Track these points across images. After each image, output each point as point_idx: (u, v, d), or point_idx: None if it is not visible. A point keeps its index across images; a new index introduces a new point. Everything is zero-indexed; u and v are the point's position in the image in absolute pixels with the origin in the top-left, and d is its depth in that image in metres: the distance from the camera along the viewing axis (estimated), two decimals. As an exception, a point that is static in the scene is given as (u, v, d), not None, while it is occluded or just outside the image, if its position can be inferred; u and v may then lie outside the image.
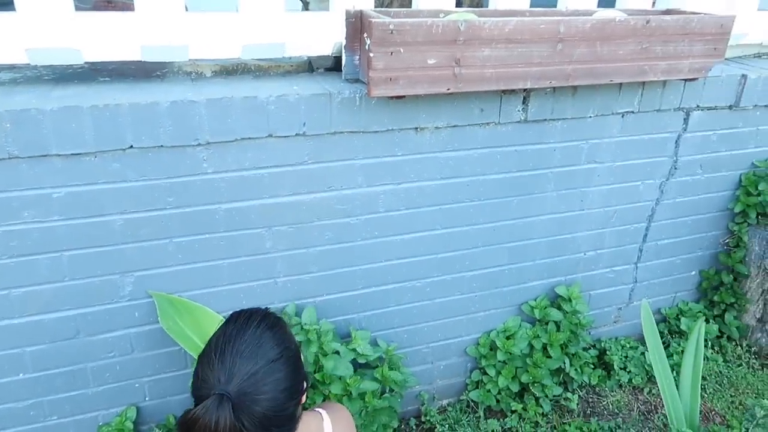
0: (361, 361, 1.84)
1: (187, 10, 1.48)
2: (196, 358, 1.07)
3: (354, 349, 1.82)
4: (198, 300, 1.66)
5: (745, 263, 2.39)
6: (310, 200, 1.69)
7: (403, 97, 1.59)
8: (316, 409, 1.24)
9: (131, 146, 1.44)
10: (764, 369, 2.41)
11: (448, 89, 1.57)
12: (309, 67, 1.84)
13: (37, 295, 1.51)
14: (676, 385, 1.68)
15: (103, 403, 1.69)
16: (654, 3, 2.04)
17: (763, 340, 2.43)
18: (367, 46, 1.50)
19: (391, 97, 1.59)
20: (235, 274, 1.69)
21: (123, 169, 1.46)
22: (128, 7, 3.16)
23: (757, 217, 2.32)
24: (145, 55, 1.48)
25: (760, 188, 2.26)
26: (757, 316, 2.43)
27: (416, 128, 1.72)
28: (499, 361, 2.13)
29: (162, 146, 1.47)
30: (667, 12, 1.91)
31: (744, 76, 2.07)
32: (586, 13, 1.82)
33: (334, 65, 1.80)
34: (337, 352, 1.76)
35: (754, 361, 2.43)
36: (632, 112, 1.96)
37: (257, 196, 1.63)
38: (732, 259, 2.41)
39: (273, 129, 1.55)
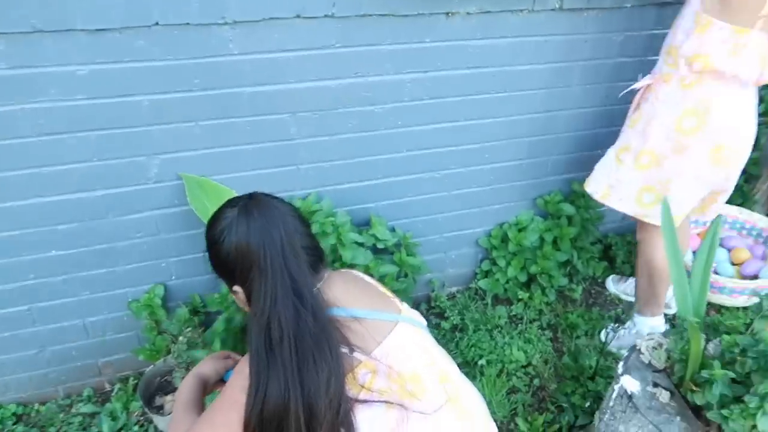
0: (380, 246, 1.92)
1: None
2: None
3: (373, 235, 1.90)
4: (223, 184, 1.70)
5: (758, 164, 2.45)
6: (336, 86, 1.68)
7: (439, -22, 1.55)
8: None
9: (157, 23, 1.40)
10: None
11: (487, -28, 1.52)
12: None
13: (67, 175, 1.54)
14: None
15: (132, 281, 1.78)
16: None
17: None
18: None
19: (426, -21, 1.55)
20: (258, 159, 1.72)
21: (149, 47, 1.43)
22: None
23: (777, 118, 2.35)
24: None
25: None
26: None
27: (447, 13, 1.68)
28: (510, 253, 2.23)
29: (188, 24, 1.43)
30: None
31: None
32: None
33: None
34: (356, 242, 1.83)
35: (754, 259, 2.56)
36: (672, 2, 1.91)
37: (283, 80, 1.62)
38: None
39: (301, 8, 1.52)
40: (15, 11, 1.29)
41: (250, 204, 1.09)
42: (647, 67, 1.81)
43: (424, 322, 1.21)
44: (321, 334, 1.01)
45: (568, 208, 2.22)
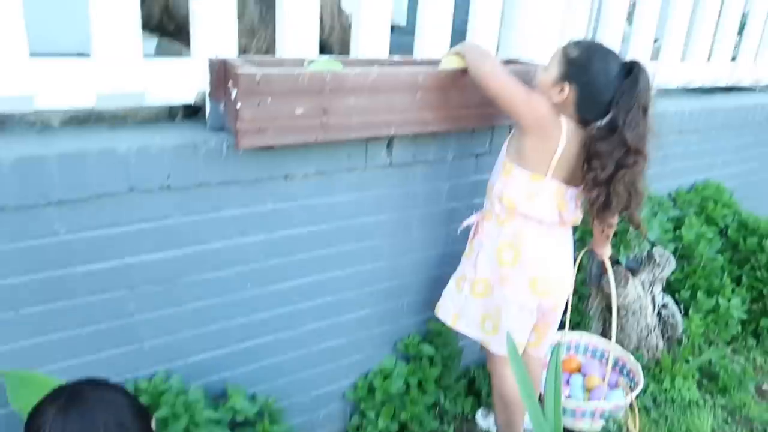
0: (240, 419, 1.77)
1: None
2: None
3: (231, 407, 1.75)
4: (55, 375, 1.50)
5: (585, 285, 2.68)
6: (178, 256, 1.62)
7: (272, 146, 1.60)
8: None
9: (-33, 209, 1.29)
10: (610, 379, 2.71)
11: (317, 138, 1.61)
12: (169, 114, 1.78)
13: None
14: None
15: None
16: (497, 52, 2.26)
17: (607, 352, 2.73)
18: (233, 97, 1.49)
19: (260, 147, 1.59)
20: (95, 342, 1.56)
21: (-44, 235, 1.30)
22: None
23: (592, 242, 2.63)
24: (-20, 107, 1.35)
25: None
26: (599, 332, 2.72)
27: (286, 176, 1.73)
28: (378, 402, 2.16)
29: (4, 207, 1.33)
30: (509, 62, 2.13)
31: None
32: (437, 62, 1.97)
33: (195, 112, 1.77)
34: (212, 420, 1.66)
35: (601, 372, 2.72)
36: (485, 153, 2.14)
37: (118, 256, 1.53)
38: (575, 282, 2.69)
39: (134, 183, 1.48)
40: None
41: (70, 401, 0.96)
42: (475, 209, 1.97)
43: None
44: None
45: (428, 349, 2.24)
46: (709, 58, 3.17)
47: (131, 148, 1.45)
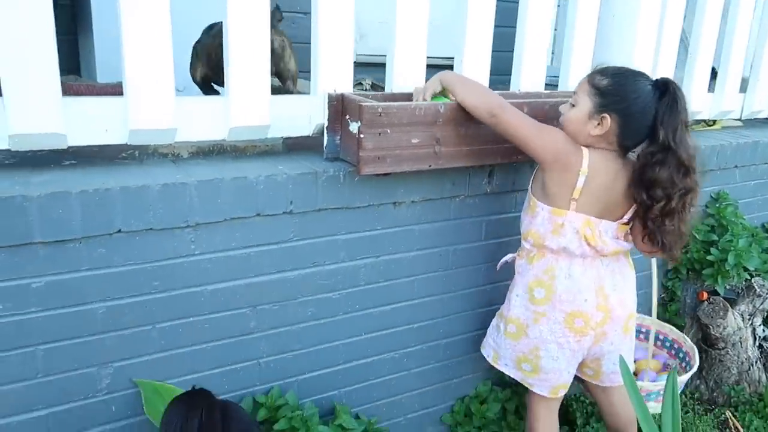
0: (346, 437, 1.74)
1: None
2: None
3: (340, 425, 1.72)
4: (180, 386, 1.53)
5: (680, 315, 2.52)
6: (294, 277, 1.63)
7: (388, 174, 1.60)
8: None
9: (119, 230, 1.34)
10: (707, 413, 2.50)
11: (430, 166, 1.60)
12: (283, 146, 1.82)
13: (3, 396, 1.33)
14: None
15: None
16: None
17: (702, 386, 2.53)
18: (351, 128, 1.51)
19: (377, 175, 1.59)
20: (218, 357, 1.58)
21: (109, 254, 1.35)
22: (92, 90, 2.96)
23: (687, 272, 2.48)
24: (132, 139, 1.41)
25: (688, 246, 2.42)
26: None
27: (394, 203, 1.72)
28: (475, 427, 2.08)
29: (151, 229, 1.38)
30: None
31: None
32: (537, 96, 1.93)
33: (306, 144, 1.79)
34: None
35: (698, 406, 2.52)
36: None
37: (243, 276, 1.55)
38: (669, 312, 2.53)
39: (261, 208, 1.51)
40: (-30, 229, 1.20)
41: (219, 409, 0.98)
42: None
43: None
44: None
45: (524, 375, 2.14)
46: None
47: (260, 176, 1.48)
